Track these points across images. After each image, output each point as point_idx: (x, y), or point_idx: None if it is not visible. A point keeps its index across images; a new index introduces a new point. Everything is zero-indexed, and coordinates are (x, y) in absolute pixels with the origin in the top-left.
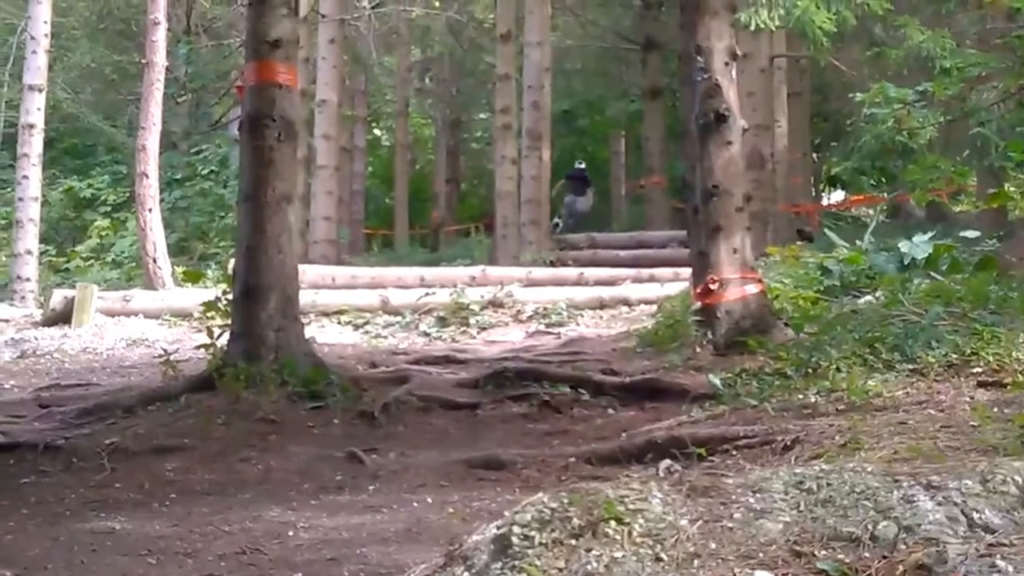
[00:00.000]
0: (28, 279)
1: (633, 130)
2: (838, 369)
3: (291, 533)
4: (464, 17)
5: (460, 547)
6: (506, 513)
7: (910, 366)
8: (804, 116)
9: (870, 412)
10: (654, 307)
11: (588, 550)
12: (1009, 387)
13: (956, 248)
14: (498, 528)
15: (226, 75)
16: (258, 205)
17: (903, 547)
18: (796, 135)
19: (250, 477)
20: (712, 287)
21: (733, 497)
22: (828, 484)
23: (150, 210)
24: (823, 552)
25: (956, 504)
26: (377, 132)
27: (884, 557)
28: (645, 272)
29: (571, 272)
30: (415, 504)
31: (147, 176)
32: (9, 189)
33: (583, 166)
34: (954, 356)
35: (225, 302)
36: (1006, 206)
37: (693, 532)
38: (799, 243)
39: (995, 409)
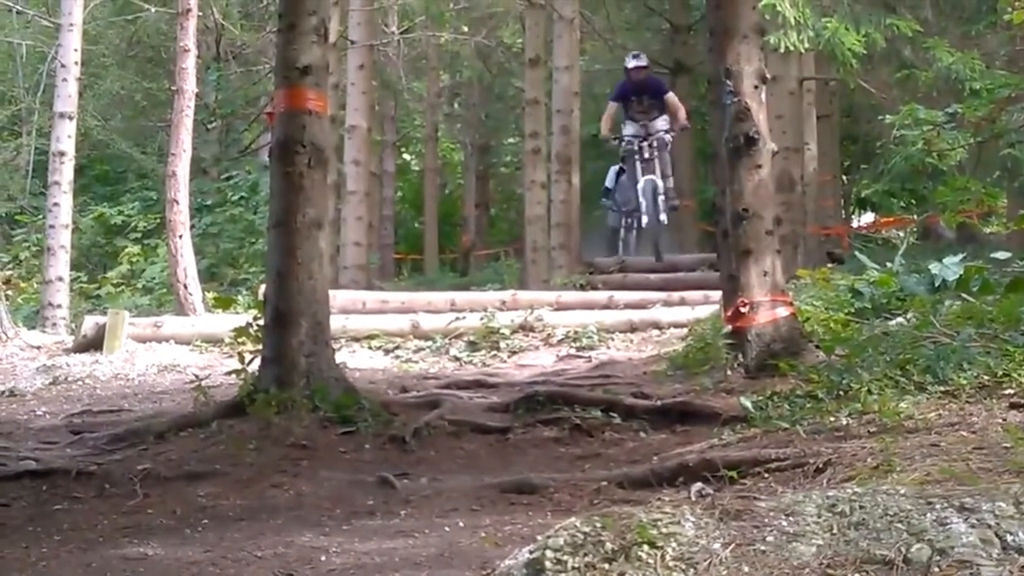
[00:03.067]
0: (59, 306)
1: None
2: (869, 391)
3: (323, 558)
4: (492, 42)
5: (493, 571)
6: (539, 537)
7: (942, 388)
8: (834, 138)
9: (902, 434)
10: (684, 330)
11: (621, 574)
12: None
13: (987, 269)
14: (531, 552)
15: (255, 101)
16: (289, 231)
17: (937, 570)
18: (826, 158)
19: (282, 502)
20: (742, 310)
21: (766, 520)
22: (861, 507)
23: (180, 236)
24: (856, 575)
25: (989, 526)
26: (407, 157)
27: None
28: (675, 295)
29: (601, 295)
30: (447, 529)
31: (177, 202)
32: (40, 216)
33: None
34: (986, 377)
35: (256, 328)
36: None
37: (726, 556)
38: (829, 265)
39: None
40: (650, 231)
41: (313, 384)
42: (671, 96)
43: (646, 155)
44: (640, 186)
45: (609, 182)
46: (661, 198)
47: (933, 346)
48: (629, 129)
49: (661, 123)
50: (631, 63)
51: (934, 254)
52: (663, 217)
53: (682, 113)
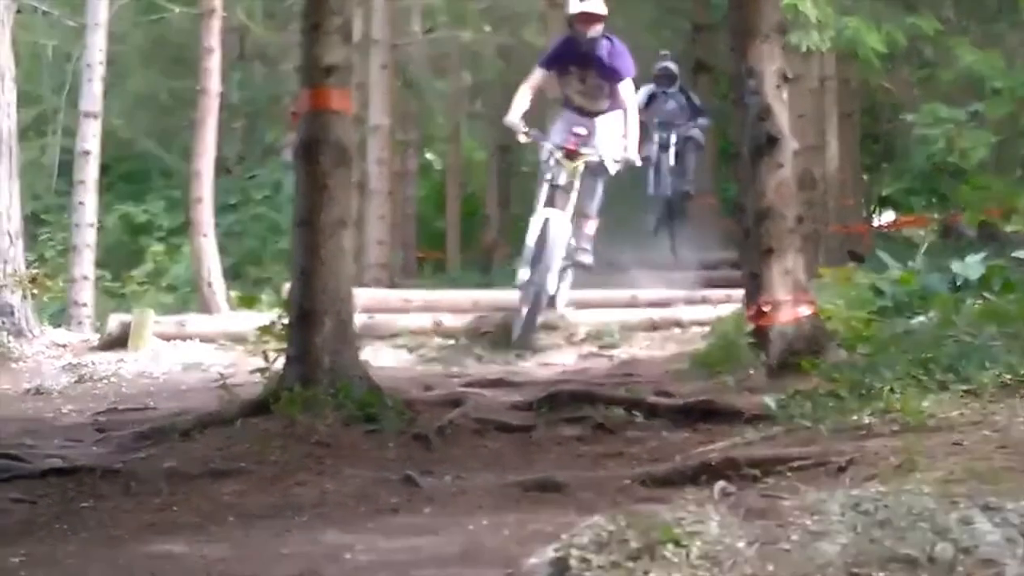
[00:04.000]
0: (85, 304)
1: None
2: (892, 390)
3: (348, 556)
4: (515, 41)
5: (518, 570)
6: (563, 536)
7: (964, 386)
8: (855, 137)
9: (924, 433)
10: (707, 329)
11: (646, 572)
12: None
13: (1009, 268)
14: (556, 551)
15: (279, 100)
16: (313, 230)
17: (961, 569)
18: (847, 156)
19: (307, 500)
20: (765, 309)
21: (790, 519)
22: (885, 506)
23: (205, 235)
24: (881, 574)
25: (1014, 525)
26: (429, 156)
27: None
28: (697, 293)
29: (623, 294)
30: (471, 527)
31: (202, 201)
32: (65, 215)
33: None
34: (1008, 376)
35: (280, 326)
36: None
37: (751, 555)
38: (851, 264)
39: None
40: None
41: (337, 382)
42: (626, 88)
43: (561, 179)
44: (531, 233)
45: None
46: (556, 257)
47: (955, 345)
48: (558, 126)
49: (609, 125)
50: (578, 4)
51: (956, 253)
52: (558, 306)
53: (631, 120)
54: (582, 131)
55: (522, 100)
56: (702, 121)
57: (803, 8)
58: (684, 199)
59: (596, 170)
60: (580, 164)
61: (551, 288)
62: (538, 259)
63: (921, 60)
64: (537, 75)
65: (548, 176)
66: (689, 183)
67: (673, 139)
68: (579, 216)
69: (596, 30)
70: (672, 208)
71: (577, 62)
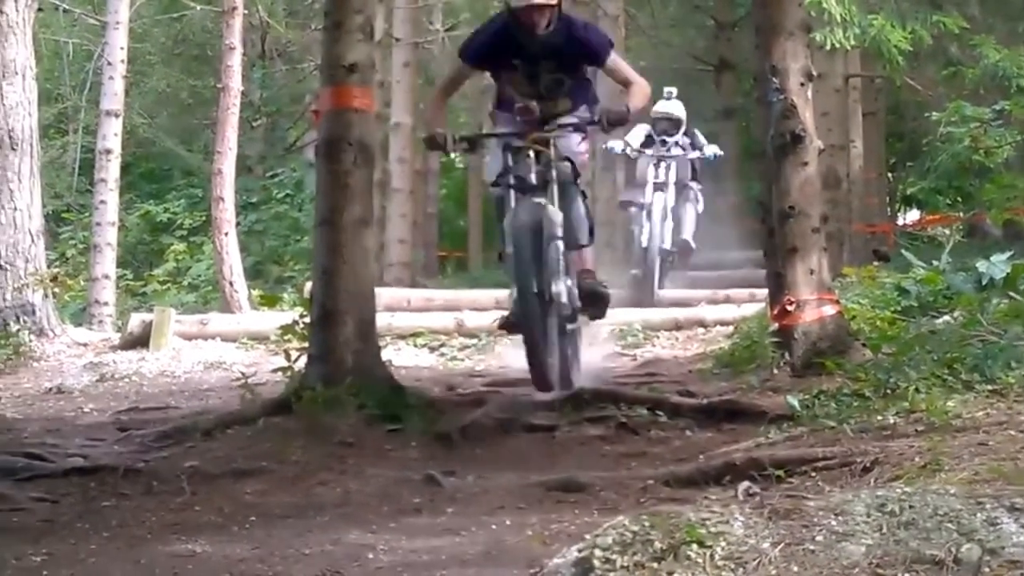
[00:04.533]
0: (106, 303)
1: None
2: (917, 390)
3: (371, 556)
4: None
5: (541, 570)
6: (587, 536)
7: (989, 386)
8: (879, 136)
9: (950, 433)
10: (730, 328)
11: (670, 573)
12: None
13: None
14: (579, 551)
15: (301, 99)
16: (335, 229)
17: (987, 570)
18: (871, 155)
19: (329, 500)
20: (789, 308)
21: (815, 520)
22: (910, 506)
23: (226, 234)
24: (906, 575)
25: None
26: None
27: None
28: (721, 293)
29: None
30: (494, 527)
31: (223, 200)
32: (87, 214)
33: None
34: None
35: (302, 325)
36: None
37: (775, 555)
38: (875, 263)
39: None
40: None
41: (360, 381)
42: (615, 64)
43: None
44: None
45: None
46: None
47: (981, 344)
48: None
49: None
50: None
51: (981, 252)
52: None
53: (638, 98)
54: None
55: (441, 107)
56: (707, 153)
57: (827, 5)
58: (684, 253)
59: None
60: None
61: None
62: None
63: (946, 58)
64: (459, 74)
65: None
66: (688, 233)
67: (672, 178)
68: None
69: (546, 20)
70: (663, 263)
71: (524, 56)
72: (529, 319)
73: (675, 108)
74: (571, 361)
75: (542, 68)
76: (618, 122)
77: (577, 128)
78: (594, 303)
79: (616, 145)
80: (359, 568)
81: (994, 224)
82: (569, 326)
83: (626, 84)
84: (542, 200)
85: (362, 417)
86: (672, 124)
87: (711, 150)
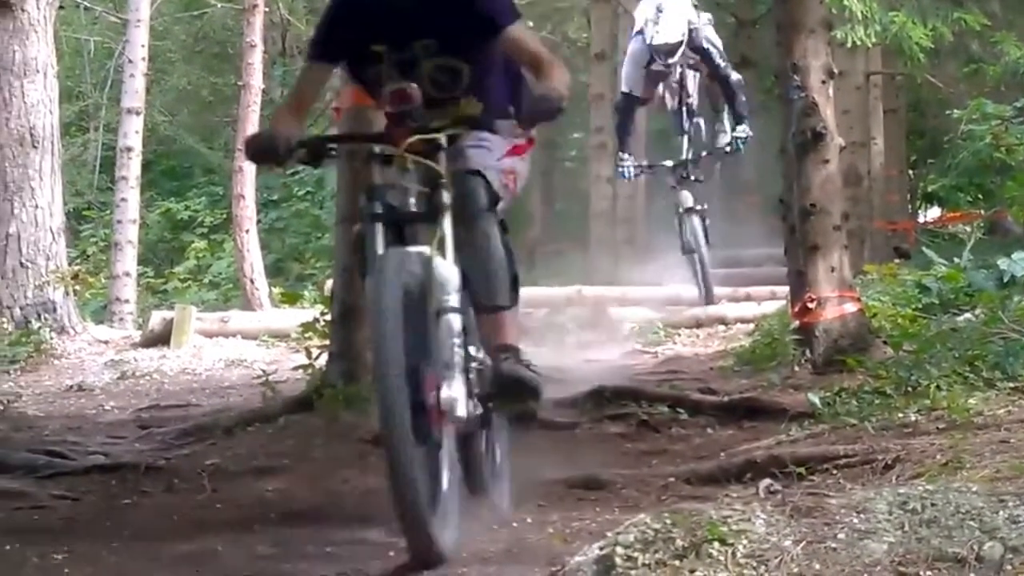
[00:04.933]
0: (127, 301)
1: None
2: (938, 387)
3: (392, 554)
4: (558, 37)
5: (563, 568)
6: (608, 534)
7: (1011, 384)
8: (900, 133)
9: (971, 431)
10: (751, 326)
11: (692, 571)
12: None
13: None
14: (601, 549)
15: (321, 96)
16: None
17: (1010, 568)
18: (892, 152)
19: (350, 498)
20: (810, 306)
21: (836, 517)
22: (932, 504)
23: (247, 231)
24: (928, 573)
25: None
26: None
27: None
28: (741, 291)
29: (667, 291)
30: (514, 524)
31: (244, 197)
32: (107, 212)
33: None
34: None
35: (323, 323)
36: None
37: (797, 553)
38: (896, 261)
39: None
40: None
41: None
42: (519, 36)
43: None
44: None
45: None
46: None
47: (1002, 342)
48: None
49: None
50: None
51: (1002, 249)
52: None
53: (558, 81)
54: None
55: (290, 122)
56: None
57: (848, 3)
58: None
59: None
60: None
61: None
62: None
63: (967, 55)
64: (305, 77)
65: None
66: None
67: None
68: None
69: None
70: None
71: (388, 35)
72: (397, 444)
73: (669, 27)
74: (490, 482)
75: (419, 52)
76: (545, 115)
77: (485, 126)
78: (516, 394)
79: (627, 166)
80: (380, 565)
81: (1015, 221)
82: (484, 430)
83: (536, 64)
84: (423, 249)
85: None
86: (670, 51)
87: (732, 136)
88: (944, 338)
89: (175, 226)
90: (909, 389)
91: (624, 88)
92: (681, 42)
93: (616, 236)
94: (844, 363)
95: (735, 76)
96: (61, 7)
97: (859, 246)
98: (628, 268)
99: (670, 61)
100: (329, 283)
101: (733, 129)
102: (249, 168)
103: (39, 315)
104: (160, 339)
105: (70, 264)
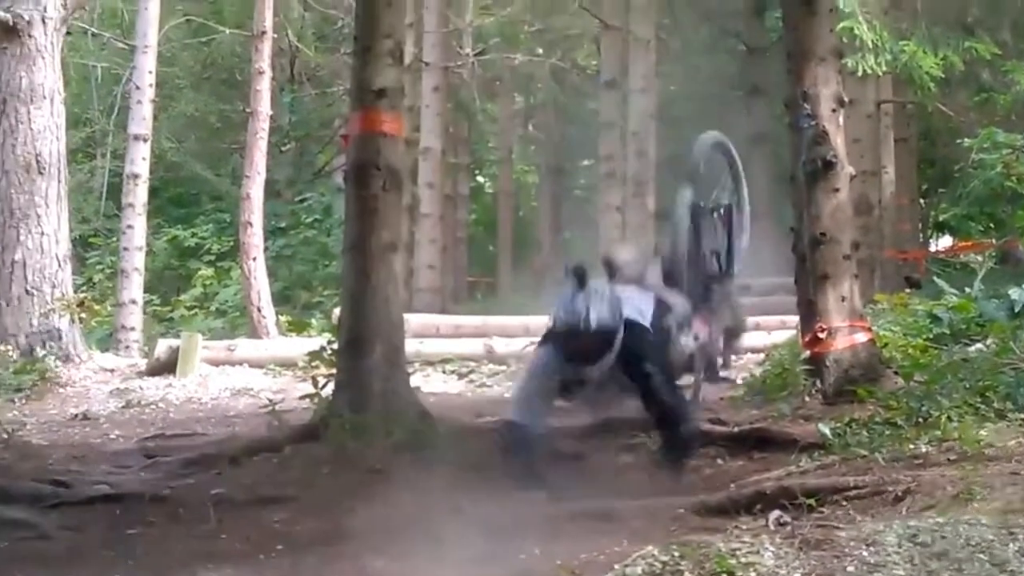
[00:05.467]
0: (133, 328)
1: None
2: (949, 418)
3: None
4: (567, 64)
5: None
6: (616, 566)
7: (1022, 415)
8: (911, 162)
9: (982, 462)
10: (761, 355)
11: None
12: None
13: None
14: None
15: (330, 123)
16: (363, 254)
17: None
18: (903, 181)
19: (356, 528)
20: (820, 335)
21: (846, 550)
22: (943, 537)
23: (254, 259)
24: None
25: None
26: (480, 179)
27: None
28: (751, 320)
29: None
30: (522, 555)
31: (251, 225)
32: (114, 239)
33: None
34: None
35: (330, 351)
36: None
37: None
38: (907, 290)
39: None
40: None
41: (388, 409)
42: None
43: None
44: None
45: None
46: None
47: (1013, 373)
48: None
49: None
50: None
51: (1013, 279)
52: None
53: None
54: None
55: None
56: None
57: (859, 31)
58: None
59: None
60: None
61: None
62: None
63: (978, 84)
64: None
65: None
66: None
67: None
68: None
69: None
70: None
71: None
72: None
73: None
74: None
75: None
76: None
77: None
78: None
79: None
80: None
81: None
82: None
83: None
84: None
85: (390, 445)
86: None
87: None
88: (955, 369)
89: (182, 253)
90: (920, 420)
91: None
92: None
93: None
94: (855, 393)
95: None
96: (68, 33)
97: (870, 275)
98: None
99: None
100: (337, 311)
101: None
102: (257, 195)
103: (44, 343)
104: (166, 367)
105: (76, 291)
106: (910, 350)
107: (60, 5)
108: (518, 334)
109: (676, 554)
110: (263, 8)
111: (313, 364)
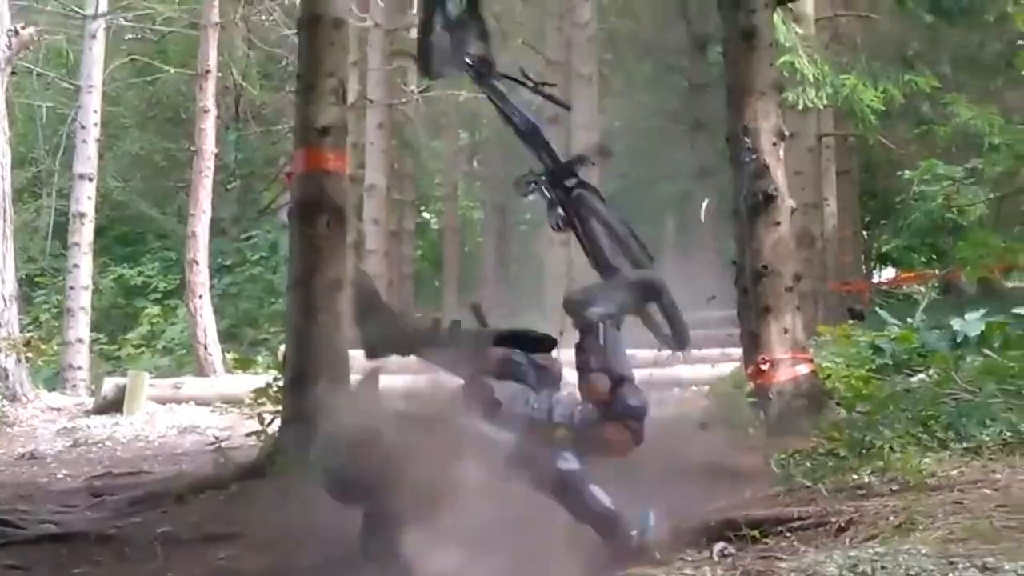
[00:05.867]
0: (79, 367)
1: (682, 210)
2: (892, 449)
3: None
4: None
5: None
6: None
7: (964, 445)
8: (853, 194)
9: (924, 492)
10: (706, 388)
11: None
12: None
13: (1009, 325)
14: None
15: (275, 161)
16: (308, 291)
17: None
18: (845, 213)
19: (304, 565)
20: (763, 367)
21: None
22: (883, 567)
23: (200, 297)
24: None
25: None
26: (426, 216)
27: None
28: (695, 352)
29: None
30: None
31: (197, 263)
32: (60, 278)
33: None
34: (1009, 434)
35: (276, 388)
36: None
37: None
38: (850, 322)
39: None
40: None
41: None
42: None
43: None
44: None
45: None
46: None
47: (955, 403)
48: None
49: None
50: None
51: (955, 310)
52: None
53: None
54: None
55: None
56: None
57: (799, 66)
58: None
59: None
60: None
61: None
62: None
63: (918, 117)
64: None
65: None
66: None
67: None
68: None
69: None
70: None
71: None
72: None
73: None
74: None
75: None
76: None
77: None
78: None
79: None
80: None
81: (969, 282)
82: None
83: None
84: None
85: None
86: None
87: None
88: (897, 399)
89: (128, 292)
90: (863, 451)
91: None
92: None
93: None
94: (798, 424)
95: None
96: (13, 73)
97: (813, 307)
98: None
99: None
100: (282, 348)
101: None
102: (202, 233)
103: None
104: (113, 406)
105: (22, 331)
106: (853, 381)
107: (5, 46)
108: None
109: None
110: (207, 47)
111: (259, 401)
